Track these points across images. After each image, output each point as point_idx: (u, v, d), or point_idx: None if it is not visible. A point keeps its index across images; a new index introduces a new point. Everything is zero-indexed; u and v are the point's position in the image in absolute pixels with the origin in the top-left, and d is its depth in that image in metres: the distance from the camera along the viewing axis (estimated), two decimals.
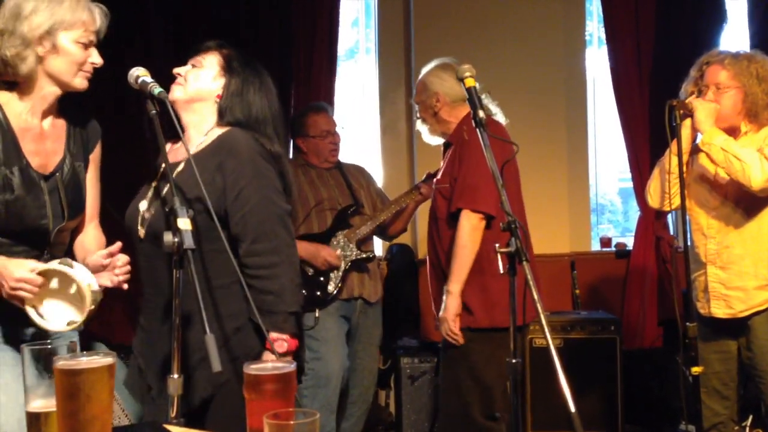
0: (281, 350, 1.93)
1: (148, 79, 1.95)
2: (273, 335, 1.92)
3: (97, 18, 2.00)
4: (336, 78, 4.46)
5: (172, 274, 1.74)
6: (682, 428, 2.86)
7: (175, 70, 2.16)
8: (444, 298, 2.76)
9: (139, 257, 2.10)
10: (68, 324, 1.91)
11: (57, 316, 1.92)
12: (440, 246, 2.87)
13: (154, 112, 1.90)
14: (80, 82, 2.01)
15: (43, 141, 2.05)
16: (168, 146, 2.08)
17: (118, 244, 1.98)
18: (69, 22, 1.93)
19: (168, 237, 1.69)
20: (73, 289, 1.90)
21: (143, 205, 2.08)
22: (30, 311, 1.90)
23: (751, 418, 3.15)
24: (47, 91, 2.00)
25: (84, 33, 1.96)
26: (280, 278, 1.96)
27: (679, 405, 2.95)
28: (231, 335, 1.99)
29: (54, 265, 1.89)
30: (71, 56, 1.96)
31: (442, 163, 3.00)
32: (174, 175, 1.97)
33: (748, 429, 3.13)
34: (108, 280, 1.94)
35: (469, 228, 2.69)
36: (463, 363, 2.79)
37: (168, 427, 1.56)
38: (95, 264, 1.96)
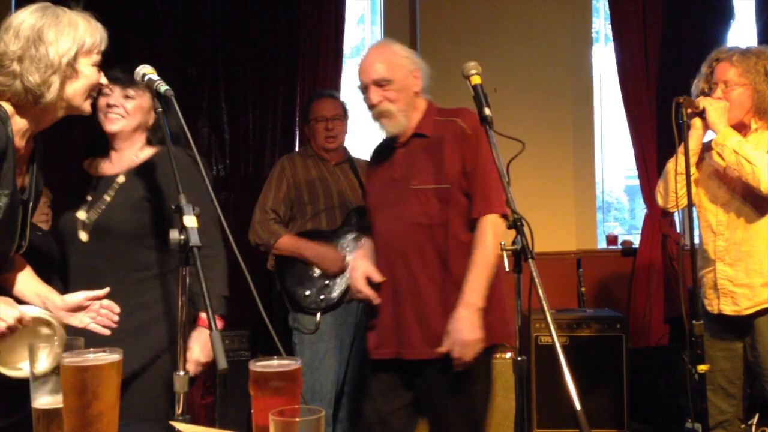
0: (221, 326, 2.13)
1: (155, 76, 1.95)
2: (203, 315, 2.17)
3: (105, 39, 1.94)
4: (342, 75, 4.47)
5: (115, 275, 2.13)
6: (688, 426, 2.85)
7: (112, 101, 2.28)
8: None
9: (75, 262, 2.25)
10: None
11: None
12: (447, 252, 2.45)
13: (160, 109, 1.91)
14: (88, 106, 1.93)
15: (20, 164, 1.92)
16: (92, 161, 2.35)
17: (106, 290, 2.01)
18: (88, 47, 1.87)
19: (174, 234, 1.70)
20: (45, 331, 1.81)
21: (82, 215, 2.23)
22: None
23: (757, 416, 3.15)
24: (53, 116, 1.89)
25: (97, 56, 1.91)
26: (216, 268, 2.25)
27: (685, 403, 2.95)
28: (149, 325, 2.17)
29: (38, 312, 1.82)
30: (88, 80, 1.89)
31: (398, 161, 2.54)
32: (115, 185, 2.24)
33: (754, 427, 3.12)
34: (78, 320, 1.98)
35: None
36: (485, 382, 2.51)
37: (174, 423, 1.56)
38: (74, 302, 1.98)
